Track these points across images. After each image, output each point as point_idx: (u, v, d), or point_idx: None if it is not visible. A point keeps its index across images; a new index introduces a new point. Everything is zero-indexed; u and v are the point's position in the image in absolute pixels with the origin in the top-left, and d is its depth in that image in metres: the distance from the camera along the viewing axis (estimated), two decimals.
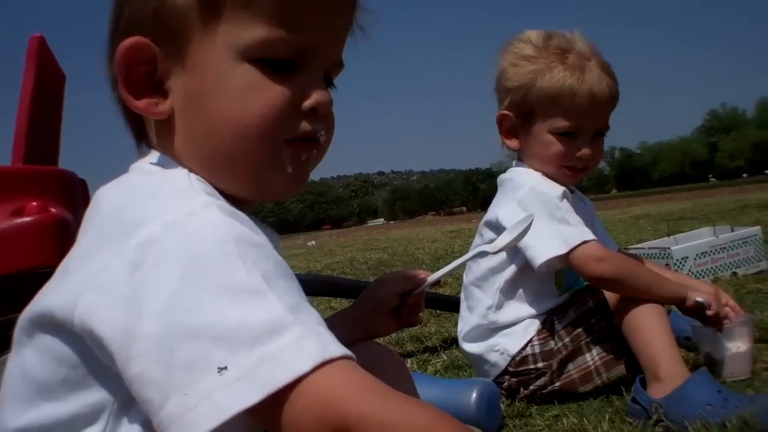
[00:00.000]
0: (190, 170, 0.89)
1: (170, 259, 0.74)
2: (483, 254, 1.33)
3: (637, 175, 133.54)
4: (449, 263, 1.27)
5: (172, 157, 0.91)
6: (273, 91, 0.87)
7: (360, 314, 1.29)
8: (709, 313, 1.87)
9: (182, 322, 0.72)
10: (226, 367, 0.70)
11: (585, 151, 2.03)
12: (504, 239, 1.28)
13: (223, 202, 0.82)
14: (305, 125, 0.91)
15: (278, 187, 0.94)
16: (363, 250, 11.73)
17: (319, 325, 0.76)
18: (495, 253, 1.31)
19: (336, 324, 1.29)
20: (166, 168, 0.90)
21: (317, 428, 0.71)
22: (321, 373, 0.71)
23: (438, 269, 1.26)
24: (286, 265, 0.81)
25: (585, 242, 1.87)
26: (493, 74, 2.14)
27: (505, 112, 2.07)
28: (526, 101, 2.01)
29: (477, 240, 2.17)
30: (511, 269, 2.04)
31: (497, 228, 2.01)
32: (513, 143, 2.11)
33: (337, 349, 0.75)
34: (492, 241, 2.02)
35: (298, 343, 0.72)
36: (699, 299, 1.85)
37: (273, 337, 0.72)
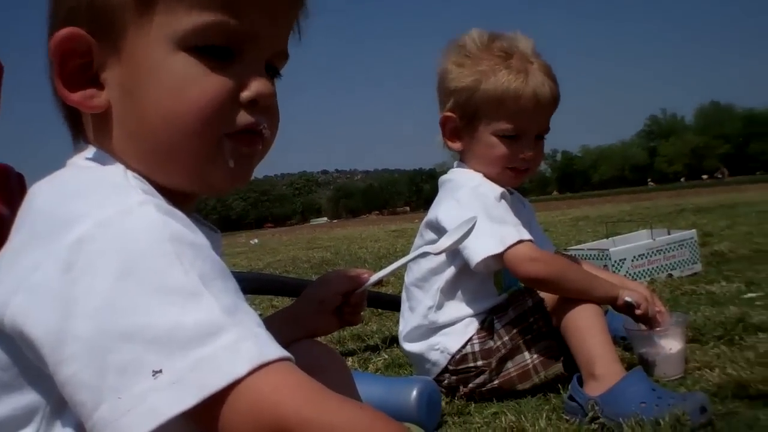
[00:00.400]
0: (128, 166, 0.86)
1: (104, 259, 0.72)
2: (425, 255, 1.34)
3: (578, 178, 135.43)
4: (392, 263, 1.27)
5: (108, 152, 0.89)
6: (210, 80, 0.85)
7: (301, 313, 1.29)
8: (638, 312, 1.91)
9: (116, 323, 0.70)
10: (160, 370, 0.69)
11: (528, 153, 2.06)
12: (447, 240, 1.29)
13: (160, 201, 0.80)
14: (246, 117, 0.88)
15: (220, 182, 0.91)
16: (306, 249, 11.69)
17: (256, 327, 0.75)
18: (437, 254, 1.31)
19: (277, 323, 1.28)
20: (102, 164, 0.87)
21: None
22: (259, 376, 0.71)
23: (381, 268, 1.26)
24: (224, 265, 0.79)
25: (520, 242, 1.89)
26: (436, 74, 2.14)
27: (449, 113, 2.07)
28: (470, 103, 2.02)
29: (418, 241, 2.18)
30: (451, 270, 2.06)
31: (437, 229, 2.03)
32: (456, 145, 2.12)
33: (275, 351, 0.73)
34: (432, 241, 2.03)
35: (235, 345, 0.71)
36: (628, 299, 1.90)
37: (209, 339, 0.71)
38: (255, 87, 0.88)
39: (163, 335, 0.70)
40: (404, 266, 1.27)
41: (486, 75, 2.00)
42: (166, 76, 0.84)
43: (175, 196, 0.87)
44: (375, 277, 1.26)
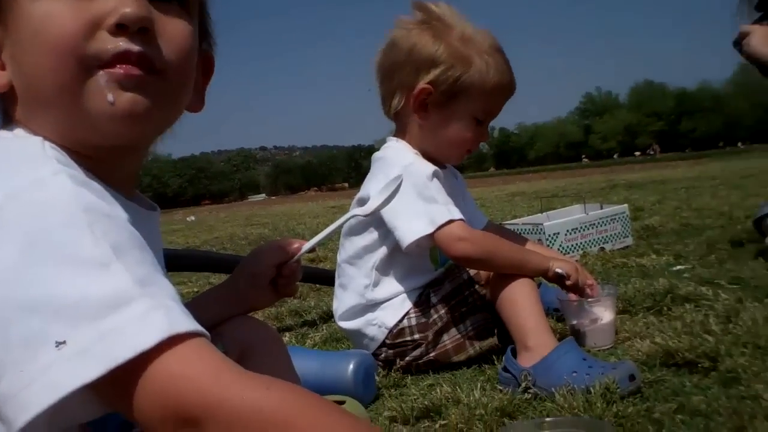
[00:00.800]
0: (43, 136, 0.83)
1: (11, 229, 0.71)
2: (355, 218, 1.33)
3: (514, 154, 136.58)
4: (323, 230, 1.26)
5: (23, 126, 0.86)
6: (65, 11, 0.81)
7: (236, 288, 1.26)
8: (568, 283, 1.95)
9: (20, 295, 0.68)
10: (64, 342, 0.66)
11: (486, 136, 2.10)
12: (375, 202, 1.28)
13: (76, 172, 0.78)
14: (115, 44, 0.82)
15: (106, 123, 0.84)
16: (244, 226, 11.62)
17: (169, 299, 0.73)
18: (367, 216, 1.31)
19: (211, 300, 1.27)
20: (19, 136, 0.85)
21: (163, 411, 0.68)
22: (170, 353, 0.69)
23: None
24: (142, 239, 0.77)
25: (451, 221, 1.90)
26: (399, 42, 2.05)
27: (427, 86, 1.99)
28: (458, 83, 1.97)
29: None
30: (386, 247, 2.07)
31: None
32: (419, 117, 2.04)
33: (187, 324, 0.71)
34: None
35: (144, 316, 0.69)
36: (558, 270, 1.93)
37: (117, 310, 0.68)
38: (120, 9, 0.81)
39: (69, 306, 0.68)
40: (337, 231, 1.25)
41: (482, 58, 1.97)
42: (32, 24, 0.82)
43: (103, 170, 0.85)
44: (307, 245, 1.24)
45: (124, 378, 0.68)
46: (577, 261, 2.32)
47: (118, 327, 0.68)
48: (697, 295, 2.35)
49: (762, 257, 2.87)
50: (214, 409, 0.68)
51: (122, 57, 0.82)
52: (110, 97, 0.82)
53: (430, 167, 2.00)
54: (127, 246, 0.74)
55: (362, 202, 2.05)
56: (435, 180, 1.98)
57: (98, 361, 0.66)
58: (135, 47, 0.82)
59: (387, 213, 1.94)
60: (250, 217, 15.30)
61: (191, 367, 0.69)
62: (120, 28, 0.81)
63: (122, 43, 0.81)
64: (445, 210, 1.92)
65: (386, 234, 2.03)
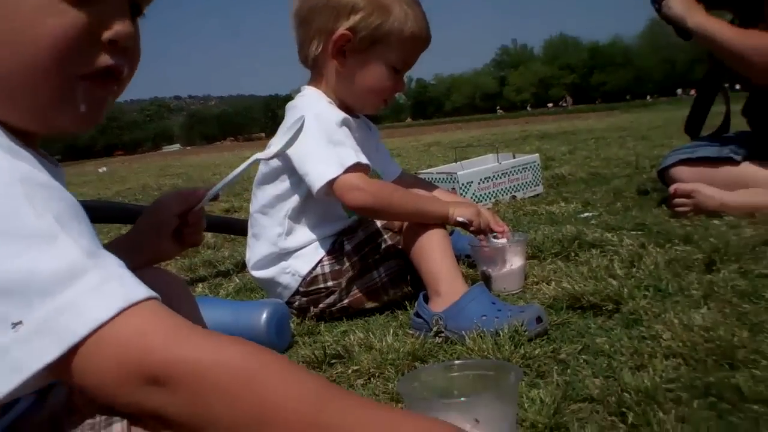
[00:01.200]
0: None
1: None
2: (257, 162, 1.32)
3: (430, 105, 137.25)
4: (225, 176, 1.24)
5: None
6: (67, 15, 0.79)
7: (140, 240, 1.23)
8: (471, 229, 1.98)
9: None
10: (20, 322, 0.65)
11: (402, 86, 2.10)
12: (276, 145, 1.28)
13: (4, 139, 0.76)
14: (105, 59, 0.83)
15: (67, 125, 0.85)
16: (157, 176, 11.40)
17: (119, 267, 0.73)
18: (269, 159, 1.30)
19: (113, 250, 1.24)
20: None
21: (122, 377, 0.68)
22: (129, 320, 0.68)
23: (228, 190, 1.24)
24: (80, 207, 0.76)
25: (358, 164, 1.90)
26: None
27: (347, 32, 1.98)
28: (377, 30, 1.98)
29: (262, 167, 2.14)
30: (298, 195, 2.06)
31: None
32: (338, 64, 2.04)
33: (142, 291, 0.71)
34: (278, 167, 2.02)
35: (100, 287, 0.68)
36: (460, 219, 1.94)
37: (70, 283, 0.67)
38: (116, 27, 0.83)
39: (19, 284, 0.66)
40: (239, 176, 1.23)
41: (401, 7, 1.98)
42: (21, 9, 0.78)
43: (19, 132, 0.82)
44: (210, 192, 1.22)
45: (84, 349, 0.67)
46: (489, 209, 2.35)
47: (73, 301, 0.67)
48: (602, 241, 2.42)
49: (665, 205, 2.96)
50: (180, 369, 0.68)
51: (107, 71, 0.84)
52: (83, 107, 0.83)
53: (341, 115, 2.00)
54: (68, 216, 0.72)
55: None
56: (344, 128, 1.99)
57: (57, 339, 0.66)
58: (118, 62, 0.84)
59: (297, 160, 1.93)
60: (164, 168, 15.01)
61: (152, 330, 0.69)
62: (111, 44, 0.82)
63: (114, 60, 0.83)
64: (353, 153, 1.92)
65: (298, 182, 2.01)
